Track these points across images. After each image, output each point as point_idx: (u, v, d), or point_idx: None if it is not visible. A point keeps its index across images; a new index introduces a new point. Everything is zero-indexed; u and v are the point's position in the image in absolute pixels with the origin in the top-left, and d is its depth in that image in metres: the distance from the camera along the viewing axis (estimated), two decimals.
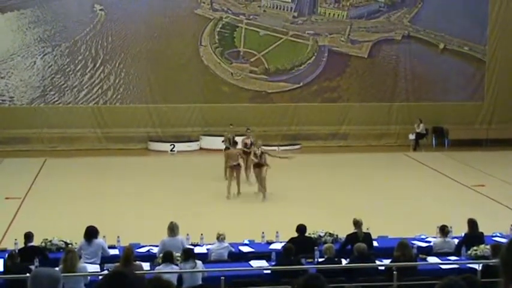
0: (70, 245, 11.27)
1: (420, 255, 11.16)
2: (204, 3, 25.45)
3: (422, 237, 12.50)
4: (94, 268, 10.62)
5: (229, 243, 11.61)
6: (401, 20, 26.31)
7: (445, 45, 26.36)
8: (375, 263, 10.70)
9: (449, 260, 11.15)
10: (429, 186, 19.28)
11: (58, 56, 24.90)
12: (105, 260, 10.97)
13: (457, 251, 11.45)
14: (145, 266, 10.49)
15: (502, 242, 11.36)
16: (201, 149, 24.90)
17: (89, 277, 10.05)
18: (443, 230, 11.80)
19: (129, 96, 25.33)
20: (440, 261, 11.07)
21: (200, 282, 10.29)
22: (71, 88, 24.98)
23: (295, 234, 11.63)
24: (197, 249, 11.22)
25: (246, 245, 12.09)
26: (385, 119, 26.10)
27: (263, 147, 18.02)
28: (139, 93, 25.32)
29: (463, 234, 11.92)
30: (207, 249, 11.59)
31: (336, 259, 10.66)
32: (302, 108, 25.81)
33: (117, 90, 25.21)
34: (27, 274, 8.80)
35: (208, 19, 25.61)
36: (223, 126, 24.76)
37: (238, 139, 19.59)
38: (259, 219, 15.13)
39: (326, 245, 10.96)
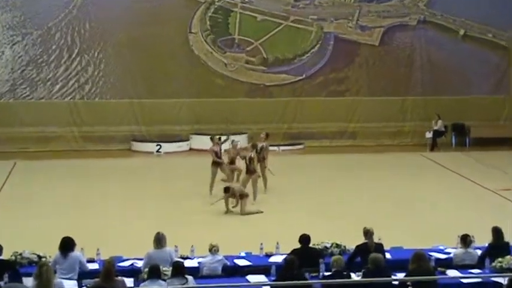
0: (44, 259, 11.27)
1: (439, 268, 11.17)
2: None
3: (441, 247, 12.52)
4: (71, 284, 10.62)
5: (224, 256, 11.62)
6: (416, 4, 26.33)
7: (465, 32, 26.39)
8: (391, 276, 10.70)
9: (472, 273, 11.17)
10: (448, 190, 19.31)
11: (29, 46, 24.91)
12: (83, 275, 10.96)
13: (480, 263, 11.47)
14: (129, 282, 10.50)
15: None
16: (191, 149, 24.90)
17: None
18: (465, 240, 11.81)
19: (109, 91, 25.33)
20: (462, 275, 11.09)
21: None
22: (44, 81, 24.99)
23: (298, 245, 11.64)
24: (187, 263, 11.22)
25: (242, 257, 12.10)
26: (399, 115, 26.14)
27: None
28: (121, 87, 25.32)
29: (486, 244, 11.94)
30: (199, 263, 11.59)
31: (345, 272, 10.66)
32: (305, 103, 25.84)
33: (96, 84, 25.21)
34: None
35: (199, 2, 25.62)
36: (216, 124, 24.82)
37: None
38: (257, 229, 15.15)
39: (334, 257, 10.95)
